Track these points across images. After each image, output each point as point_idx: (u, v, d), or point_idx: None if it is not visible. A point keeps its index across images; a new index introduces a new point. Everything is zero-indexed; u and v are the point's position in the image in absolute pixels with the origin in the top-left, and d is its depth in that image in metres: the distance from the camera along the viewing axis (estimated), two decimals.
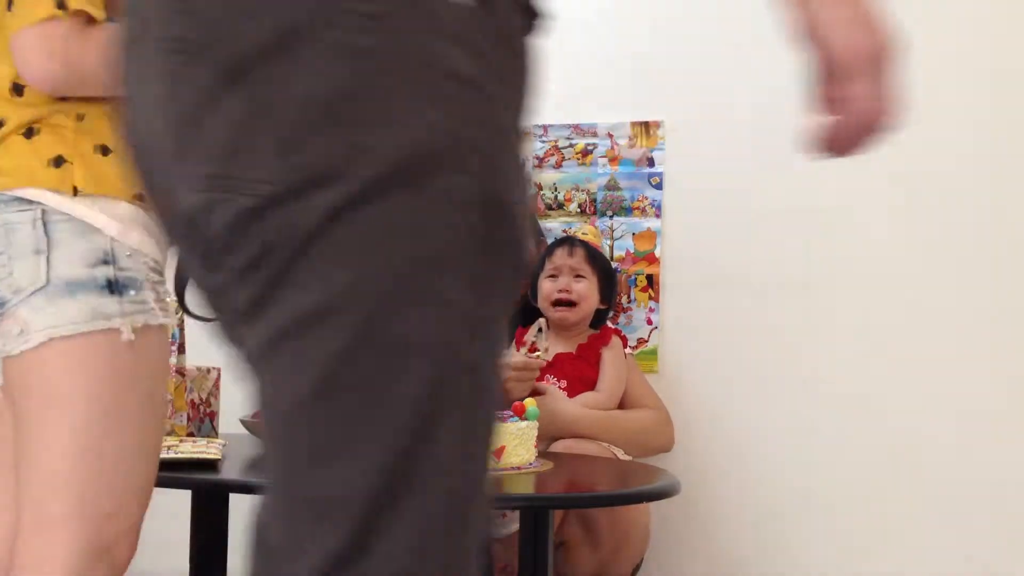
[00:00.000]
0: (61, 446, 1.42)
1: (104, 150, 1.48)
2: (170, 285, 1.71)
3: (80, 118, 1.48)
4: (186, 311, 2.06)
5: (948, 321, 2.72)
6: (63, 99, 1.48)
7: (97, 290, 1.43)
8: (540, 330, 2.50)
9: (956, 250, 2.73)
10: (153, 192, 0.95)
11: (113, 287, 1.44)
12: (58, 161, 1.45)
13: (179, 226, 0.91)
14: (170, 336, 1.57)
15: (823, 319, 2.78)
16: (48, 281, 1.42)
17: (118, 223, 1.46)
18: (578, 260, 2.62)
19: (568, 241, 2.68)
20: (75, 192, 1.44)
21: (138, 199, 1.49)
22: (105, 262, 1.44)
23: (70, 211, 1.44)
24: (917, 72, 2.88)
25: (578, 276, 2.61)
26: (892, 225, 2.76)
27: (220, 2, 0.84)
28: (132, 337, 1.45)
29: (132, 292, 1.46)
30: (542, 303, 2.61)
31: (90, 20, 1.46)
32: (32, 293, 1.42)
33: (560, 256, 2.62)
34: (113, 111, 1.50)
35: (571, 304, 2.59)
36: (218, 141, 0.83)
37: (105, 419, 1.43)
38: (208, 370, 2.42)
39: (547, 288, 2.60)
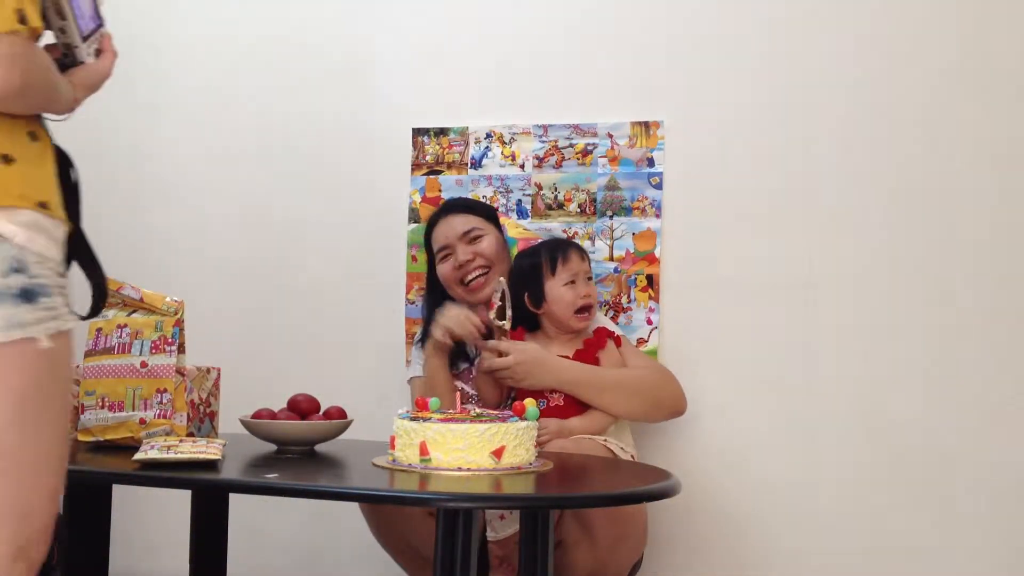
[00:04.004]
0: None
1: (6, 159, 1.47)
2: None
3: None
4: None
5: (948, 321, 2.72)
6: None
7: (12, 299, 1.44)
8: (503, 292, 2.47)
9: (957, 249, 2.73)
10: None
11: (27, 296, 1.45)
12: None
13: None
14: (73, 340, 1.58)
15: (823, 319, 2.78)
16: None
17: (24, 230, 1.46)
18: (587, 265, 2.63)
19: (576, 246, 2.67)
20: None
21: (41, 207, 1.49)
22: (16, 270, 1.44)
23: None
24: (919, 76, 2.89)
25: (589, 279, 2.62)
26: (892, 225, 2.76)
27: None
28: (51, 345, 1.46)
29: (44, 299, 1.47)
30: (564, 311, 2.57)
31: (37, 39, 1.48)
32: None
33: (576, 262, 2.61)
34: (13, 124, 1.51)
35: (588, 309, 2.60)
36: None
37: (22, 428, 1.45)
38: (208, 370, 2.42)
39: (569, 296, 2.57)
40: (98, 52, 1.70)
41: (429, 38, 3.10)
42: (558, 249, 2.63)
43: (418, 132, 3.08)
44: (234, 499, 2.51)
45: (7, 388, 1.44)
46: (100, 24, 1.71)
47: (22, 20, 1.44)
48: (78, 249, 1.67)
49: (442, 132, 3.06)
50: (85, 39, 1.67)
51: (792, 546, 2.78)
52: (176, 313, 2.28)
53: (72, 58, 1.67)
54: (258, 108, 3.23)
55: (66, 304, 1.52)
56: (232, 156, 3.25)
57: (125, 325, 2.27)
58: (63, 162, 1.66)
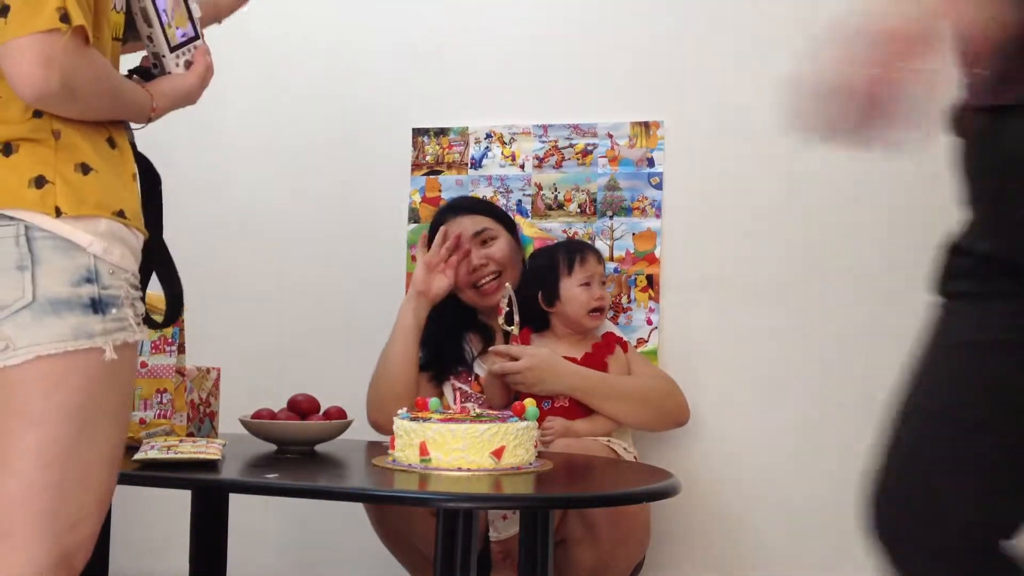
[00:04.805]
0: (28, 462, 1.43)
1: (84, 168, 1.48)
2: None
3: (56, 135, 1.47)
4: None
5: None
6: (38, 115, 1.46)
7: (81, 308, 1.45)
8: (511, 298, 2.48)
9: None
10: None
11: (97, 306, 1.46)
12: (39, 181, 1.45)
13: None
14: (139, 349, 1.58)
15: (823, 319, 2.78)
16: (34, 298, 1.43)
17: (101, 240, 1.47)
18: (603, 268, 2.65)
19: (594, 249, 2.68)
20: (57, 214, 1.44)
21: (118, 216, 1.50)
22: (89, 280, 1.45)
23: (52, 229, 1.44)
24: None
25: (603, 283, 2.64)
26: (892, 225, 2.76)
27: None
28: (115, 357, 1.47)
29: (114, 310, 1.48)
30: (578, 310, 2.57)
31: (87, 40, 1.45)
32: (17, 310, 1.43)
33: (593, 264, 2.62)
34: (91, 130, 1.50)
35: (601, 311, 2.61)
36: None
37: (76, 436, 1.45)
38: (208, 370, 2.42)
39: (584, 296, 2.58)
40: (188, 65, 1.69)
41: (429, 38, 3.10)
42: (576, 250, 2.66)
43: (418, 132, 3.08)
44: (234, 499, 2.51)
45: (65, 396, 1.44)
46: (195, 37, 1.70)
47: (64, 19, 1.40)
48: (157, 258, 1.67)
49: (442, 132, 3.06)
50: (174, 49, 1.66)
51: (792, 546, 2.78)
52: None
53: (161, 68, 1.66)
54: (257, 108, 3.22)
55: (136, 316, 1.52)
56: (232, 156, 3.25)
57: None
58: (145, 170, 1.65)
